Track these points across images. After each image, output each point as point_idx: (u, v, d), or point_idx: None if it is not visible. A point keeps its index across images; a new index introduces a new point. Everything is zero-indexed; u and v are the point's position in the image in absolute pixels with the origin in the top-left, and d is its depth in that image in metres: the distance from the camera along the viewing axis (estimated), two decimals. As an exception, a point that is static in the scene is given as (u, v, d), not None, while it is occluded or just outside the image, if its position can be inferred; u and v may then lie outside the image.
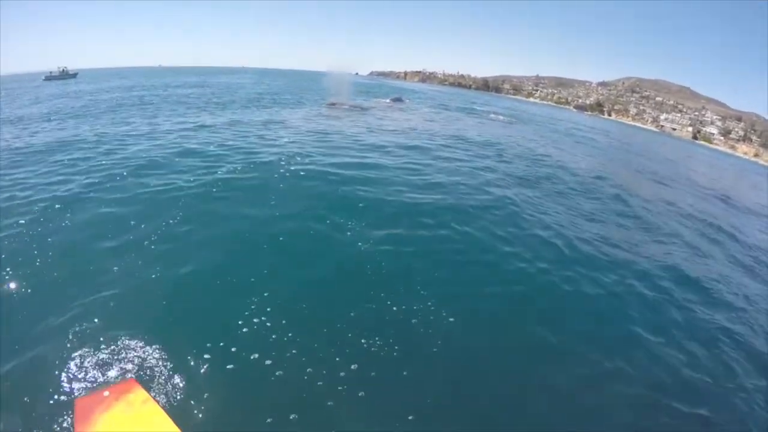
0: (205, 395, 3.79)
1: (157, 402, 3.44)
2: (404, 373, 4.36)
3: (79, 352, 4.19)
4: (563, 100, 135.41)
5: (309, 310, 5.11)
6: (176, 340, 4.40)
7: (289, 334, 4.59)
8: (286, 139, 13.07)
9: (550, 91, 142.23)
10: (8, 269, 5.43)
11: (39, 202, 7.43)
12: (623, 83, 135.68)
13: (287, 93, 36.53)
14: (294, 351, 4.38)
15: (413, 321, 5.16)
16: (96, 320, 4.61)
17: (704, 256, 9.37)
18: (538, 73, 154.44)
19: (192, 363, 4.13)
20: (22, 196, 7.70)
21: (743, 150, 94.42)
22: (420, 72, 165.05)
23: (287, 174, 9.30)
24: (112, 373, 3.96)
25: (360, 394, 4.00)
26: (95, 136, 12.77)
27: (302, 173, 9.39)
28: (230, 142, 12.06)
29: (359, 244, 6.71)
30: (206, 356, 4.20)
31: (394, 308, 5.31)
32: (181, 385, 3.88)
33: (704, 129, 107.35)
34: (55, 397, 3.73)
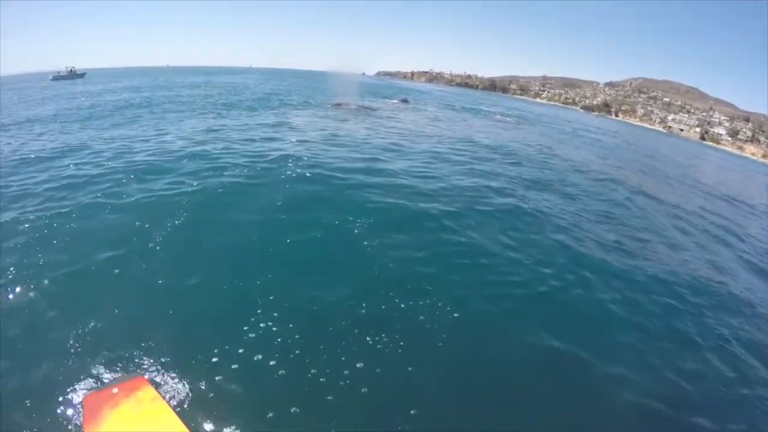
0: (212, 396, 3.85)
1: (166, 400, 3.46)
2: (409, 368, 4.42)
3: (87, 352, 4.26)
4: (570, 101, 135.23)
5: (318, 312, 5.15)
6: (183, 343, 4.47)
7: (296, 336, 4.64)
8: (293, 141, 13.07)
9: (557, 91, 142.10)
10: (12, 270, 5.51)
11: (47, 203, 7.62)
12: (631, 84, 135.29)
13: (294, 93, 36.58)
14: (297, 352, 4.43)
15: (420, 317, 5.25)
16: (103, 321, 4.70)
17: (717, 261, 9.33)
18: (545, 73, 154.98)
19: (199, 366, 4.17)
20: (28, 198, 7.86)
21: (751, 151, 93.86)
22: (427, 72, 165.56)
23: (294, 177, 9.29)
24: (122, 370, 4.05)
25: (363, 390, 4.07)
26: (100, 140, 12.78)
27: (308, 176, 9.40)
28: (236, 146, 12.00)
29: (365, 245, 6.77)
30: (213, 360, 4.25)
31: (401, 307, 5.38)
32: (187, 387, 3.93)
33: (712, 130, 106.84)
34: (64, 394, 3.81)
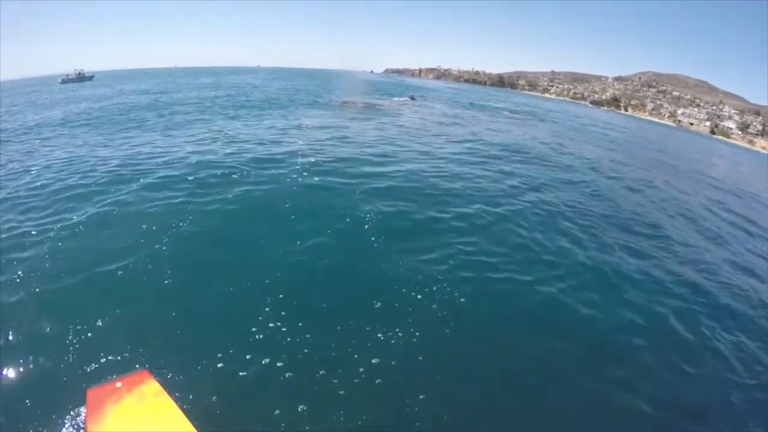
0: (218, 396, 3.95)
1: (170, 395, 3.46)
2: (419, 358, 4.64)
3: (91, 350, 4.38)
4: (579, 96, 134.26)
5: (327, 310, 5.34)
6: (190, 344, 4.59)
7: (306, 335, 4.76)
8: (301, 143, 13.18)
9: (565, 86, 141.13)
10: (19, 272, 5.69)
11: (55, 213, 7.77)
12: (640, 78, 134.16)
13: (302, 92, 36.65)
14: (306, 350, 4.55)
15: (433, 306, 5.51)
16: (107, 322, 4.83)
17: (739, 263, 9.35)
18: (553, 68, 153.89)
19: (206, 366, 4.27)
20: (35, 208, 8.03)
21: (762, 145, 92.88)
22: (435, 69, 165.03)
23: (303, 181, 9.44)
24: (126, 367, 4.12)
25: (377, 381, 4.25)
26: (108, 148, 12.78)
27: (317, 180, 9.50)
28: (245, 150, 12.04)
29: (374, 243, 6.99)
30: (219, 358, 4.37)
31: (412, 298, 5.63)
32: (193, 386, 4.01)
33: (722, 123, 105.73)
34: (68, 388, 3.90)
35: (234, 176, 9.52)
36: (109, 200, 8.09)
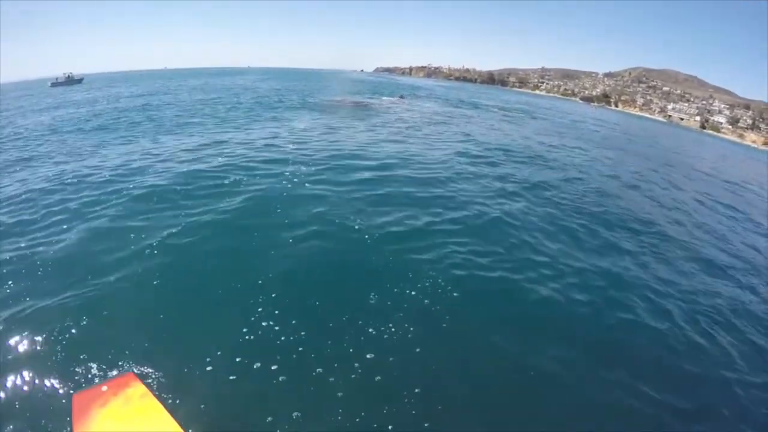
0: (207, 396, 3.91)
1: (156, 396, 3.45)
2: (417, 350, 4.69)
3: (76, 351, 4.35)
4: (569, 92, 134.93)
5: (320, 308, 5.31)
6: (180, 344, 4.56)
7: (302, 333, 4.77)
8: (291, 148, 13.00)
9: (556, 83, 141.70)
10: (10, 284, 5.62)
11: (42, 209, 7.97)
12: (630, 74, 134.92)
13: (293, 93, 36.65)
14: (301, 349, 4.55)
15: (426, 302, 5.53)
16: (95, 321, 4.83)
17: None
18: (543, 65, 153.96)
19: (195, 367, 4.24)
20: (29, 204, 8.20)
21: (752, 139, 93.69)
22: (425, 67, 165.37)
23: (294, 183, 9.45)
24: (111, 372, 4.10)
25: (377, 379, 4.26)
26: (95, 156, 12.39)
27: (307, 183, 9.50)
28: (235, 155, 11.85)
29: (367, 241, 7.02)
30: (207, 359, 4.33)
31: (406, 294, 5.64)
32: (180, 387, 3.97)
33: (712, 118, 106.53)
34: (53, 393, 3.89)
35: (225, 181, 9.43)
36: (99, 211, 7.91)
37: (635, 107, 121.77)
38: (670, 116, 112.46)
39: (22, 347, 4.46)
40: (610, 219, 9.89)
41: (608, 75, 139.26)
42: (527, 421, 4.10)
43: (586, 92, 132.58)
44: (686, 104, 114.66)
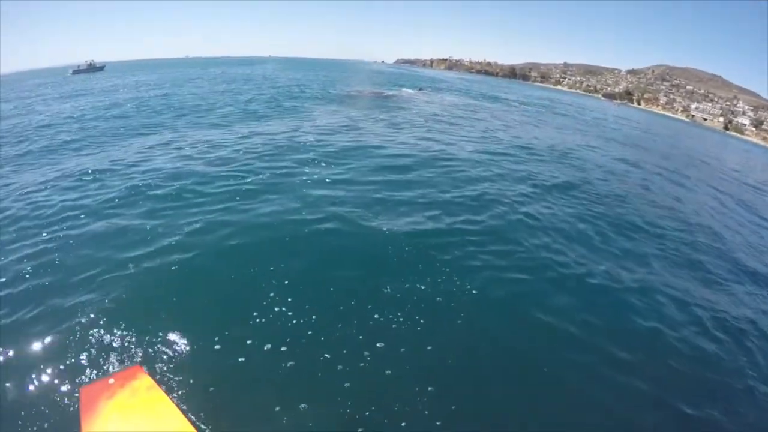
0: (215, 386, 3.91)
1: (162, 388, 3.49)
2: (428, 347, 4.68)
3: (87, 341, 4.37)
4: (592, 89, 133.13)
5: (334, 296, 5.37)
6: (189, 330, 4.56)
7: (313, 317, 4.86)
8: (312, 140, 13.04)
9: (578, 79, 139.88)
10: (14, 256, 5.89)
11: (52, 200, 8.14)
12: (653, 71, 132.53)
13: (314, 83, 36.37)
14: (310, 334, 4.62)
15: (438, 299, 5.54)
16: (105, 310, 4.84)
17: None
18: (566, 60, 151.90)
19: (204, 353, 4.28)
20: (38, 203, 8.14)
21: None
22: (446, 60, 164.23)
23: (312, 179, 9.45)
24: (120, 361, 4.11)
25: (387, 372, 4.27)
26: (117, 148, 12.49)
27: (327, 180, 9.49)
28: (255, 147, 11.92)
29: (385, 232, 7.07)
30: (219, 345, 4.38)
31: (419, 288, 5.67)
32: (189, 376, 3.96)
33: (735, 119, 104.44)
34: (61, 386, 3.89)
35: (246, 175, 9.50)
36: (117, 206, 7.90)
37: (658, 106, 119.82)
38: (693, 116, 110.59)
39: (35, 341, 4.44)
40: (633, 221, 9.74)
41: (631, 72, 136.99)
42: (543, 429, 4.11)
43: (609, 89, 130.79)
44: (710, 104, 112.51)
